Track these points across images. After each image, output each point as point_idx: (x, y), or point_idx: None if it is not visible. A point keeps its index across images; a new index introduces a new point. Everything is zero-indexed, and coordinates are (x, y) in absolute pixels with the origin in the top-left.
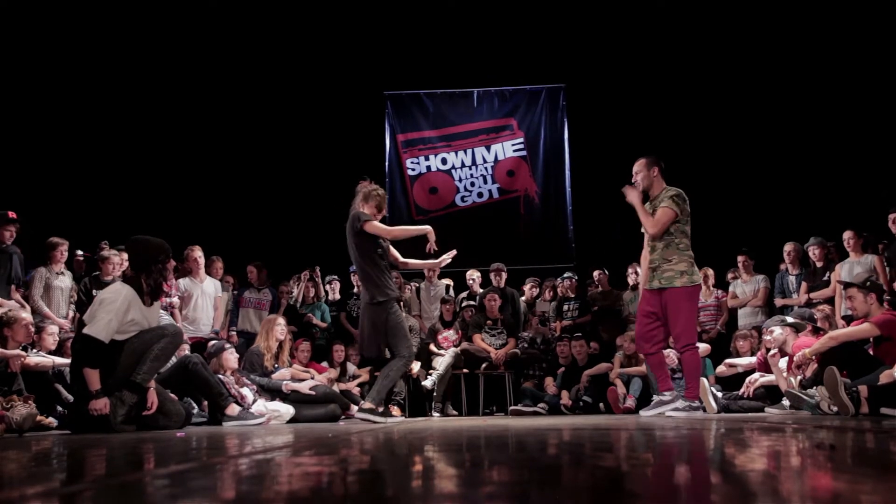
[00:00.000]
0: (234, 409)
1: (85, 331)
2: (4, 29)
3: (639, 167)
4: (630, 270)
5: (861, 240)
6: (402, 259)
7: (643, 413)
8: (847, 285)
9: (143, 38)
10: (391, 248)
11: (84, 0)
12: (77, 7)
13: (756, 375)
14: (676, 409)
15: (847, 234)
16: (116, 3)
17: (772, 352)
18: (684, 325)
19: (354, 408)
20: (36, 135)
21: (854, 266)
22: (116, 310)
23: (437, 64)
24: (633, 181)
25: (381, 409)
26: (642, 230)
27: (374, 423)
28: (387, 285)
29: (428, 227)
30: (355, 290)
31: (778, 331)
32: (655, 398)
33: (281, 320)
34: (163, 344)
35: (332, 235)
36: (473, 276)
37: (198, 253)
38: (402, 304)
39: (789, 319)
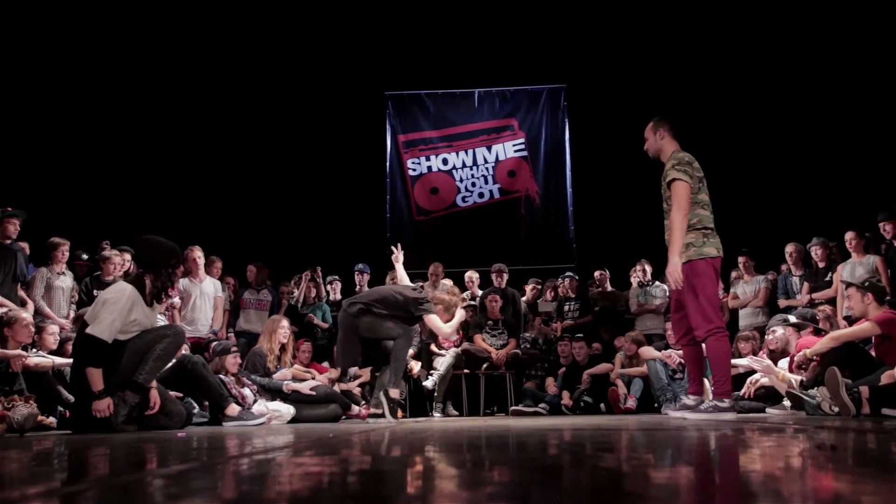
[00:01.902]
0: (233, 408)
1: (88, 331)
2: (5, 29)
3: (646, 133)
4: (638, 268)
5: (863, 240)
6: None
7: (669, 413)
8: (849, 284)
9: (144, 38)
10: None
11: (84, 0)
12: (77, 7)
13: (757, 376)
14: (699, 412)
15: (849, 235)
16: (116, 3)
17: (757, 358)
18: (696, 306)
19: (355, 408)
20: (37, 135)
21: (856, 267)
22: (120, 310)
23: (438, 64)
24: (644, 148)
25: (444, 402)
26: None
27: (382, 416)
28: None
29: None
30: (358, 289)
31: (780, 331)
32: (681, 400)
33: (284, 322)
34: (165, 344)
35: (333, 236)
36: (472, 277)
37: (197, 253)
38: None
39: (792, 319)
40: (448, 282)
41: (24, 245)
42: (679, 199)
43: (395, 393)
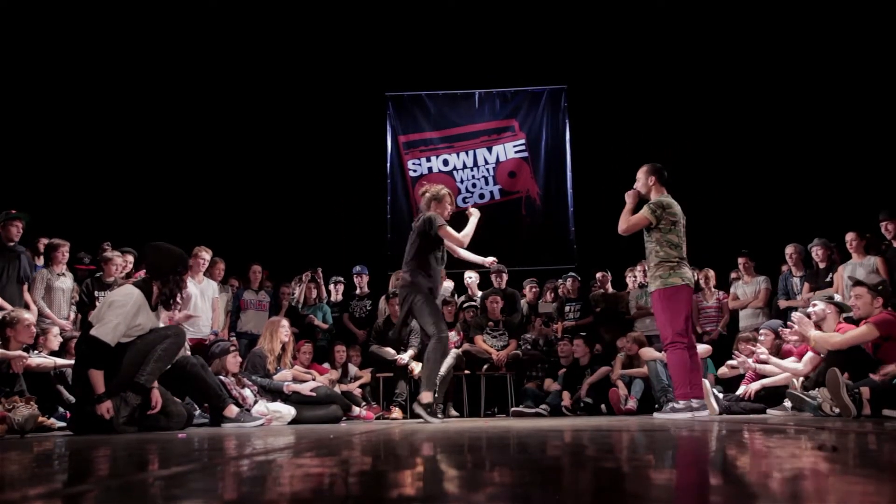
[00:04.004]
0: (232, 410)
1: (92, 332)
2: (5, 29)
3: (639, 174)
4: (638, 268)
5: (864, 241)
6: (460, 253)
7: (657, 415)
8: (857, 283)
9: (145, 39)
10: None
11: (84, 0)
12: (77, 7)
13: (756, 385)
14: (663, 412)
15: (850, 236)
16: (117, 4)
17: (761, 351)
18: (662, 325)
19: (356, 409)
20: (37, 136)
21: (857, 267)
22: (126, 313)
23: (438, 65)
24: (634, 186)
25: (438, 408)
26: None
27: (427, 421)
28: (426, 278)
29: (489, 259)
30: (358, 291)
31: (821, 306)
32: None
33: (285, 322)
34: (166, 345)
35: (333, 237)
36: (471, 276)
37: (204, 255)
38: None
39: (837, 297)
40: (449, 283)
41: (37, 255)
42: (626, 222)
43: (426, 398)
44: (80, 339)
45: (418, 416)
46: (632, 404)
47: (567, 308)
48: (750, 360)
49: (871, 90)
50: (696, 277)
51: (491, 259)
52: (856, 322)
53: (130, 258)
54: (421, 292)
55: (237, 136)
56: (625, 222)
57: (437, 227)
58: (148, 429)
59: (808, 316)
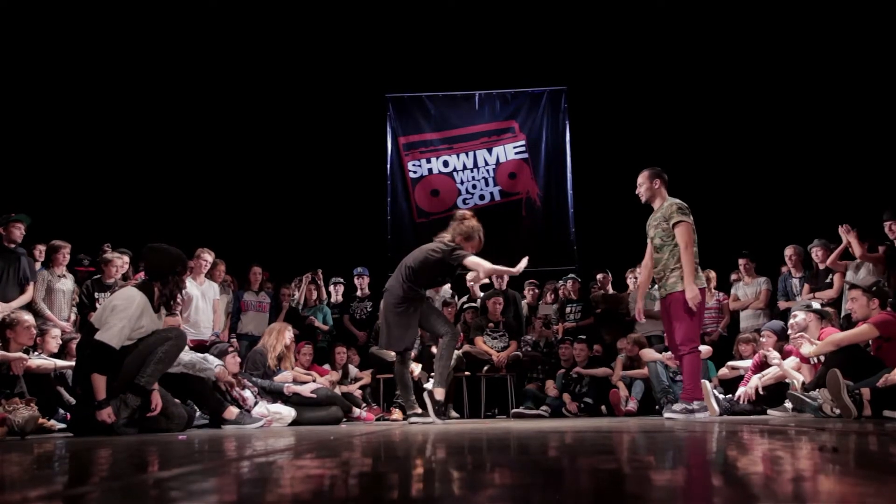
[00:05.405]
0: (231, 412)
1: (97, 336)
2: (5, 30)
3: (641, 179)
4: (639, 270)
5: (865, 243)
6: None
7: (666, 414)
8: (853, 286)
9: (146, 40)
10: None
11: (85, 1)
12: (78, 8)
13: (752, 385)
14: (673, 412)
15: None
16: (117, 4)
17: (773, 355)
18: (685, 328)
19: (356, 410)
20: (38, 138)
21: (859, 269)
22: (129, 317)
23: (438, 66)
24: (636, 192)
25: (445, 405)
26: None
27: (431, 419)
28: (417, 292)
29: (515, 270)
30: (358, 292)
31: (801, 316)
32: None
33: (290, 328)
34: (166, 347)
35: (333, 238)
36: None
37: (207, 257)
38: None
39: (815, 305)
40: (447, 289)
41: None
42: (685, 238)
43: (439, 394)
44: (81, 341)
45: (422, 410)
46: (632, 405)
47: (567, 309)
48: (749, 362)
49: (870, 90)
50: None
51: (522, 264)
52: (853, 325)
53: (126, 259)
54: (423, 302)
55: (238, 138)
56: (685, 248)
57: (460, 260)
58: (148, 430)
59: (787, 328)
